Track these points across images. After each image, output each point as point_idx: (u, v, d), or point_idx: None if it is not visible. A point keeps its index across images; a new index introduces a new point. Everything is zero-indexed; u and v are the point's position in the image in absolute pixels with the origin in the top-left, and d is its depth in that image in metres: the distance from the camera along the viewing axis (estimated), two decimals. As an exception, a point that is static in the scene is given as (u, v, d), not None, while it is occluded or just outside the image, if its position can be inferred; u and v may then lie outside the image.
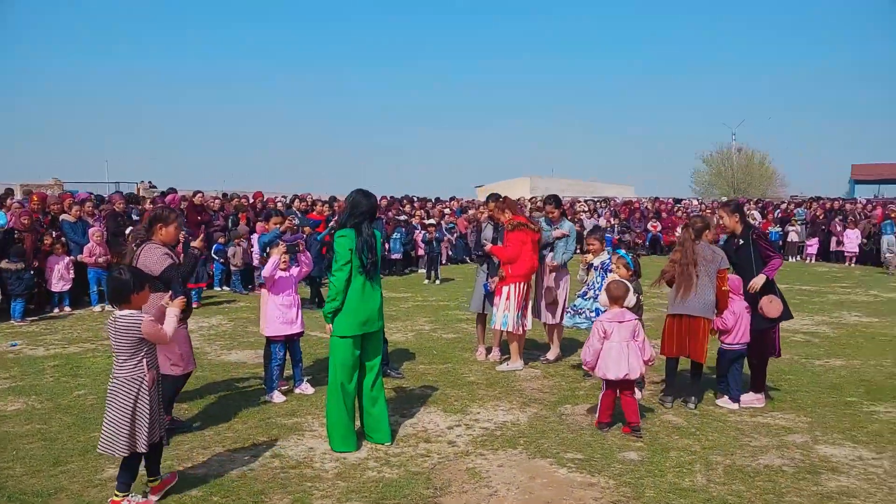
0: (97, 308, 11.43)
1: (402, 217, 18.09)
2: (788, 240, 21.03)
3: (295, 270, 6.60)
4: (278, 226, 7.12)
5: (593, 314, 7.10)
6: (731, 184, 60.08)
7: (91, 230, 11.56)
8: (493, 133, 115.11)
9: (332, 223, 8.35)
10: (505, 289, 7.38)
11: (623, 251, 7.34)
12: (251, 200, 16.33)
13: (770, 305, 6.12)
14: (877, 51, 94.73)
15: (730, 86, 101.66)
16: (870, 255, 19.23)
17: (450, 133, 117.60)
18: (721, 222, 6.52)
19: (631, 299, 5.71)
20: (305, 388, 6.67)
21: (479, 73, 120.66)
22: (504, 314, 7.38)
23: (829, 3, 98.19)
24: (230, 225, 14.44)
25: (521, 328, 7.50)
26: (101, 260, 11.40)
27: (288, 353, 6.66)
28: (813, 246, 20.60)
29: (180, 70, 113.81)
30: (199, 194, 14.32)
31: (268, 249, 6.65)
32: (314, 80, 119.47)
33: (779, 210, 22.30)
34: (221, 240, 13.78)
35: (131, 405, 4.02)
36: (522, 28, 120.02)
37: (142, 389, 4.07)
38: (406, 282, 16.09)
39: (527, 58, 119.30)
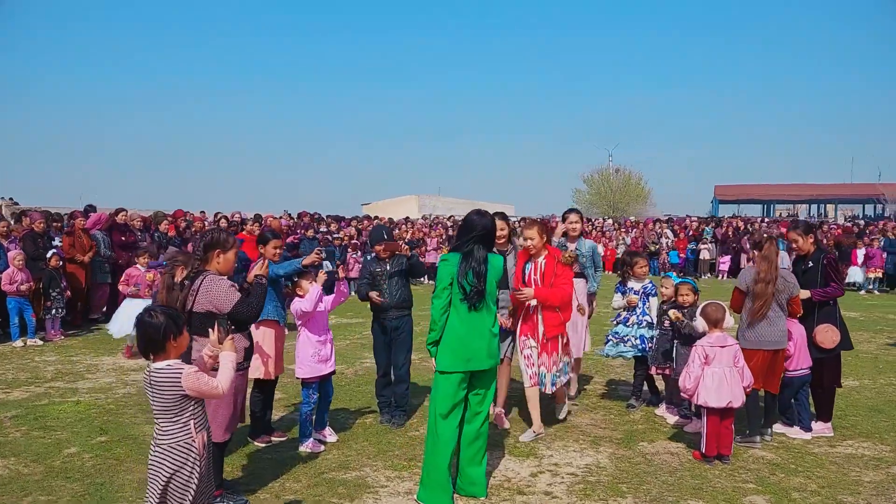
0: (18, 343, 9.87)
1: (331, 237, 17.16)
2: (701, 257, 21.90)
3: (329, 299, 5.79)
4: (278, 250, 6.24)
5: (639, 341, 6.77)
6: (611, 203, 62.70)
7: (10, 253, 9.96)
8: (379, 150, 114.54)
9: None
10: (559, 339, 5.91)
11: (674, 275, 7.07)
12: (174, 220, 14.87)
13: (825, 335, 5.91)
14: (735, 80, 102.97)
15: (607, 107, 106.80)
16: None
17: (332, 149, 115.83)
18: (796, 245, 6.23)
19: (729, 321, 5.40)
20: (328, 435, 5.84)
21: (364, 90, 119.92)
22: (555, 371, 5.90)
23: (697, 34, 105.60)
24: (158, 247, 13.02)
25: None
26: (23, 287, 9.83)
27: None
28: (725, 263, 21.56)
29: (33, 79, 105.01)
30: (123, 213, 12.81)
31: (294, 279, 5.80)
32: (187, 89, 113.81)
33: (689, 229, 23.16)
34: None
35: (183, 478, 3.30)
36: (405, 45, 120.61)
37: (189, 458, 3.31)
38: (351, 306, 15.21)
39: (410, 75, 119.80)
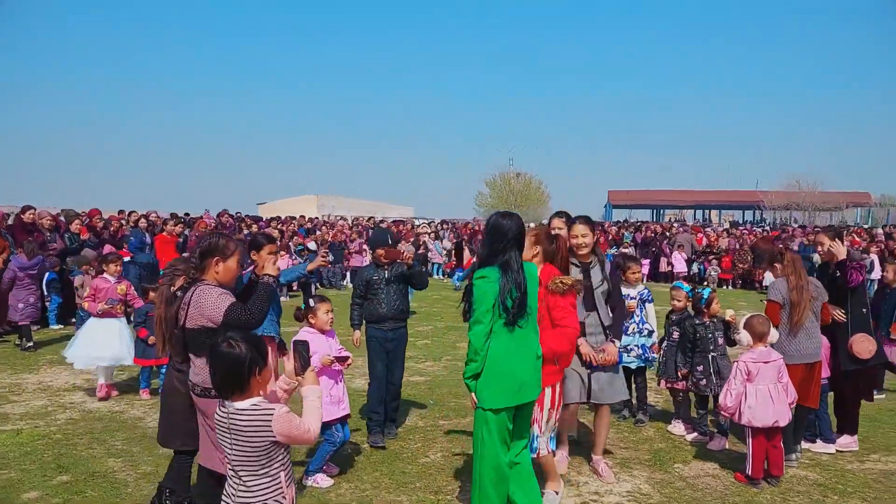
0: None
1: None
2: (622, 261, 22.24)
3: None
4: (274, 254, 5.48)
5: (641, 351, 6.47)
6: (512, 206, 63.52)
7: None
8: (276, 149, 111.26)
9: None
10: (548, 391, 4.39)
11: (683, 283, 6.78)
12: (89, 220, 13.42)
13: (862, 345, 5.61)
14: (629, 88, 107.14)
15: (508, 111, 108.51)
16: (698, 274, 20.94)
17: (226, 147, 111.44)
18: (821, 249, 5.88)
19: (774, 335, 5.13)
20: (320, 481, 5.01)
21: (264, 88, 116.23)
22: (549, 433, 4.54)
23: (592, 41, 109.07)
24: (70, 247, 11.67)
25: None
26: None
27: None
28: (645, 266, 21.95)
29: None
30: (31, 211, 11.37)
31: (309, 303, 5.06)
32: (80, 85, 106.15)
33: (609, 234, 23.49)
34: (57, 267, 11.11)
35: None
36: (302, 45, 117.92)
37: None
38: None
39: (307, 75, 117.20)
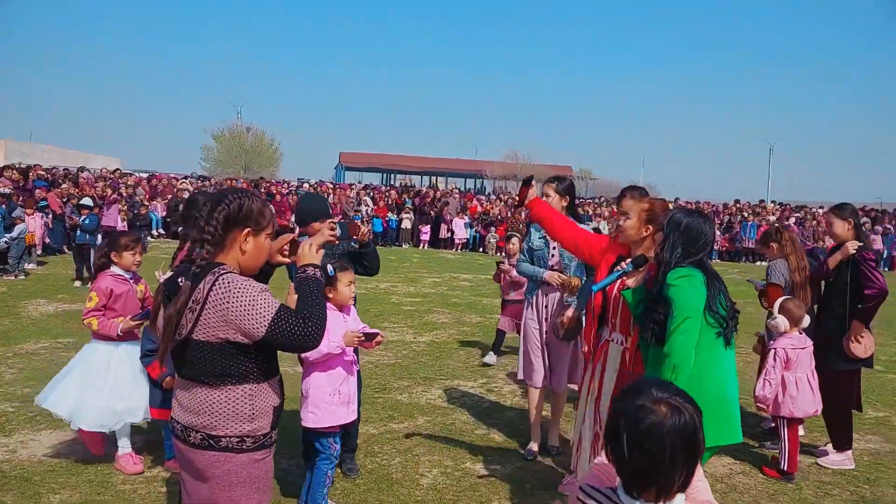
0: None
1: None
2: (403, 226, 21.81)
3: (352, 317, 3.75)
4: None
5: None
6: (243, 164, 59.87)
7: None
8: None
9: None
10: None
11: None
12: None
13: (858, 345, 4.90)
14: (356, 55, 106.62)
15: (236, 60, 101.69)
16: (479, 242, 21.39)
17: None
18: (829, 229, 5.24)
19: (807, 319, 4.85)
20: None
21: None
22: None
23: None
24: None
25: None
26: None
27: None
28: (426, 233, 21.78)
29: None
30: None
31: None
32: None
33: (389, 197, 22.92)
34: None
35: None
36: None
37: None
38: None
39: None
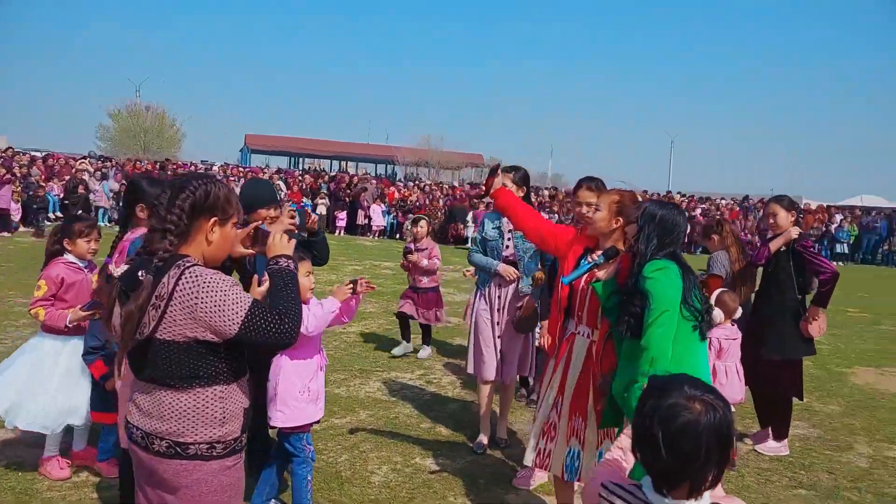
0: None
1: None
2: (318, 212, 21.33)
3: (331, 307, 3.53)
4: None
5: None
6: (142, 145, 57.13)
7: None
8: None
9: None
10: None
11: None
12: None
13: (816, 324, 4.96)
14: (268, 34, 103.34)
15: (134, 36, 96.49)
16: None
17: None
18: (773, 220, 5.17)
19: (739, 311, 4.96)
20: None
21: None
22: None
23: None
24: None
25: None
26: None
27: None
28: (342, 219, 21.37)
29: None
30: None
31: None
32: None
33: (304, 182, 22.34)
34: None
35: None
36: None
37: None
38: None
39: None
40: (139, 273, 2.22)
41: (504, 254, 4.74)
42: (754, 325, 5.13)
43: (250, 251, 2.54)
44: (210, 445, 2.21)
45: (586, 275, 3.45)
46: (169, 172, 20.01)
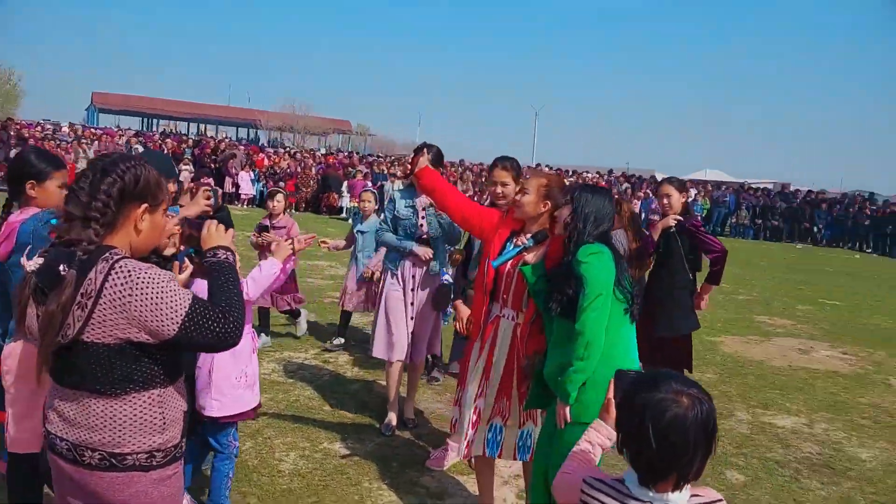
0: None
1: None
2: (181, 178, 20.16)
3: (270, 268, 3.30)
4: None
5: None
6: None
7: None
8: None
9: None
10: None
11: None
12: None
13: (706, 299, 5.32)
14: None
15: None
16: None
17: None
18: (667, 201, 5.27)
19: None
20: None
21: None
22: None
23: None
24: None
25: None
26: None
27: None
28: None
29: None
30: None
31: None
32: None
33: (166, 147, 20.97)
34: None
35: None
36: None
37: None
38: None
39: None
40: (60, 268, 1.96)
41: (419, 233, 4.65)
42: (647, 305, 5.24)
43: (175, 249, 2.34)
44: (149, 455, 2.03)
45: (513, 258, 3.45)
46: (12, 133, 18.05)
